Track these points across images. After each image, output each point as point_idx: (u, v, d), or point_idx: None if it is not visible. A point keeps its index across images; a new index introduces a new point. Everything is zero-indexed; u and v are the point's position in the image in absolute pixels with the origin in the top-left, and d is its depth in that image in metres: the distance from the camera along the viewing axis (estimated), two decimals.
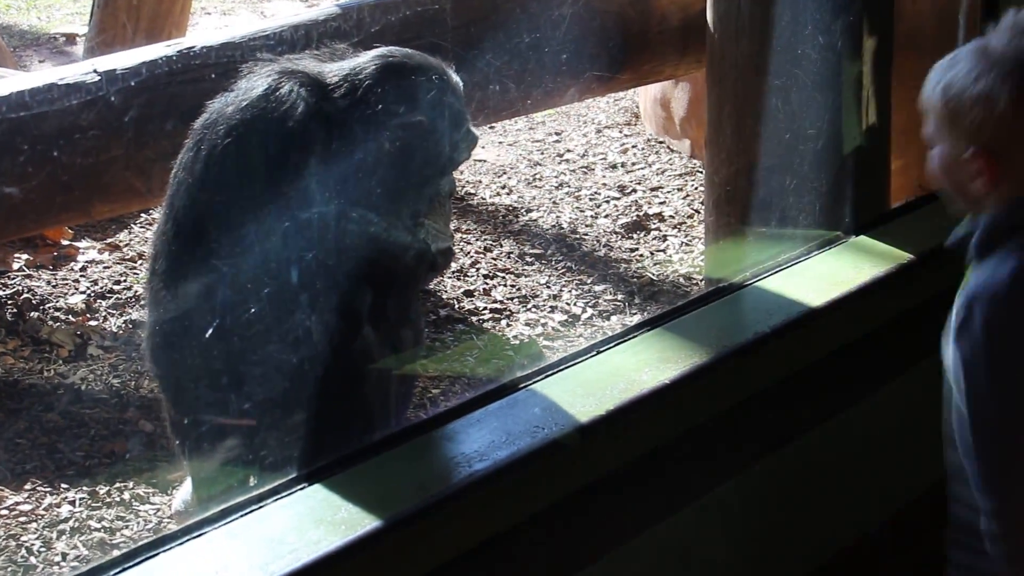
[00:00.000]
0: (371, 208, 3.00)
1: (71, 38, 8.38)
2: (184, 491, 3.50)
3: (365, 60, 3.08)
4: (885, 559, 3.32)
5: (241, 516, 2.37)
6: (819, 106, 3.52)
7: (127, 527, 3.57)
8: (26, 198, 3.92)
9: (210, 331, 2.91)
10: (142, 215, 5.27)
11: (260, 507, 2.40)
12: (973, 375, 2.37)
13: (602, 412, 2.66)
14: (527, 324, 4.71)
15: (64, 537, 3.52)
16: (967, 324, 2.38)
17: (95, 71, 4.03)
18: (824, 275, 3.29)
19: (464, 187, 5.90)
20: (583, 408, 2.66)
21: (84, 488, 3.71)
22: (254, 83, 3.01)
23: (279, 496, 2.43)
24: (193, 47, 4.13)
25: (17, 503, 3.64)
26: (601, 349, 2.92)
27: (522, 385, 2.76)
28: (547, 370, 2.82)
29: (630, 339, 2.97)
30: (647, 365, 2.81)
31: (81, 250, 5.04)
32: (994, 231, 2.44)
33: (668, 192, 5.92)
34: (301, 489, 2.45)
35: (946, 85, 2.41)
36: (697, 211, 5.61)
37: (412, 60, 3.12)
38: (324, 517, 2.34)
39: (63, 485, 3.72)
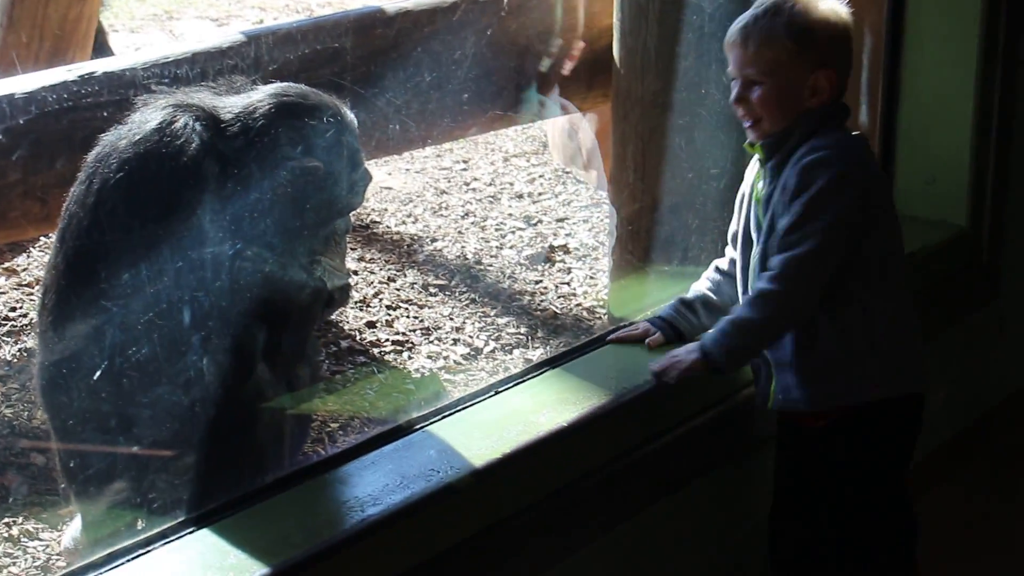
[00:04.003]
0: (265, 247, 2.95)
1: None
2: (74, 528, 3.42)
3: (260, 97, 3.03)
4: None
5: (128, 560, 2.33)
6: (722, 145, 3.54)
7: (15, 564, 3.50)
8: None
9: (99, 371, 2.85)
10: (41, 238, 5.18)
11: (148, 551, 2.36)
12: None
13: (498, 456, 2.63)
14: (429, 357, 4.68)
15: None
16: None
17: None
18: None
19: (369, 215, 5.87)
20: (479, 451, 2.63)
21: None
22: (148, 116, 2.95)
23: (167, 540, 2.39)
24: (94, 72, 4.06)
25: None
26: (500, 390, 2.90)
27: (419, 426, 2.73)
28: (444, 411, 2.80)
29: (530, 379, 2.96)
30: (545, 407, 2.79)
31: None
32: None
33: (574, 224, 5.93)
34: (190, 533, 2.40)
35: (787, 23, 2.54)
36: (602, 243, 5.61)
37: (307, 100, 3.07)
38: (213, 563, 2.30)
39: None
